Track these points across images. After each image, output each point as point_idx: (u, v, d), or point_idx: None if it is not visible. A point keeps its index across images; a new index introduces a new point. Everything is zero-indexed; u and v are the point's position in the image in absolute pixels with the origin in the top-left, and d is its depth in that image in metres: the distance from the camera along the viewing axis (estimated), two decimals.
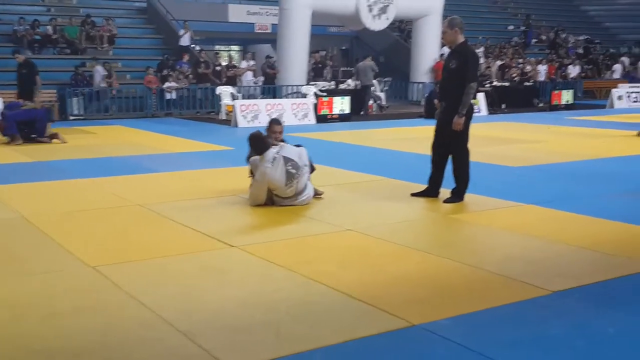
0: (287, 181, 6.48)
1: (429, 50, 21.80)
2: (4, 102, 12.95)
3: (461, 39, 6.82)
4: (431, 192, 7.08)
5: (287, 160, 6.52)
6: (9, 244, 5.36)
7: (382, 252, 5.12)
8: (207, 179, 8.30)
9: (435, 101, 7.36)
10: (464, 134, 6.80)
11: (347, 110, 17.31)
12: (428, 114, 16.41)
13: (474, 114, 6.95)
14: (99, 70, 18.08)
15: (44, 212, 6.40)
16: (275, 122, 7.24)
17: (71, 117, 17.04)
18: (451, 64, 6.83)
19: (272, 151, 6.55)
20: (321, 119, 16.76)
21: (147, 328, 3.63)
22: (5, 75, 16.76)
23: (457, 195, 6.91)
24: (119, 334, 3.54)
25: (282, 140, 7.04)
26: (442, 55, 20.33)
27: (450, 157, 6.96)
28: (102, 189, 7.68)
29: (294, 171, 6.51)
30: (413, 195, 7.12)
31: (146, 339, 3.49)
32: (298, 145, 6.95)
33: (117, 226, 5.95)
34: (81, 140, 12.74)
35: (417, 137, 12.55)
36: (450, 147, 6.90)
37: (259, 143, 6.62)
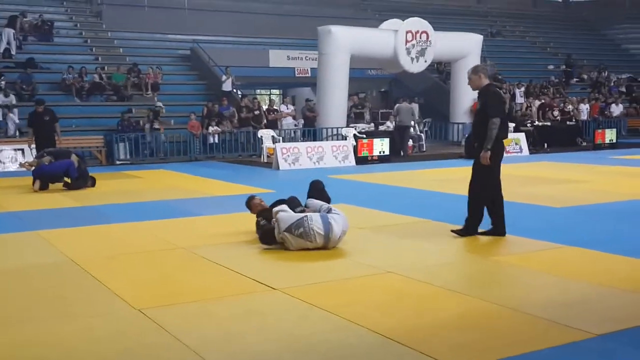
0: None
1: (468, 92, 21.77)
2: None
3: (485, 82, 7.13)
4: (497, 230, 7.11)
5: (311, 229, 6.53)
6: (57, 287, 5.53)
7: (423, 294, 5.13)
8: (249, 221, 8.41)
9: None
10: (489, 172, 6.95)
11: (387, 152, 17.41)
12: (468, 155, 16.37)
13: (504, 154, 7.13)
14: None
15: (91, 256, 6.58)
16: (250, 198, 7.61)
17: (118, 162, 17.51)
18: (478, 105, 7.17)
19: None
20: (361, 160, 16.88)
21: None
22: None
23: (464, 229, 7.07)
24: None
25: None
26: None
27: (470, 190, 7.12)
28: (146, 232, 7.86)
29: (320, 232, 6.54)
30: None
31: None
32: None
33: (162, 269, 6.08)
34: (127, 184, 13.07)
35: (457, 177, 12.51)
36: (473, 180, 7.08)
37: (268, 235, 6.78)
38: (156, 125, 18.52)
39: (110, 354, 3.94)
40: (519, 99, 24.20)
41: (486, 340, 4.09)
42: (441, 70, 26.10)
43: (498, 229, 7.11)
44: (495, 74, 26.40)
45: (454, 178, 12.71)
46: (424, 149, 19.94)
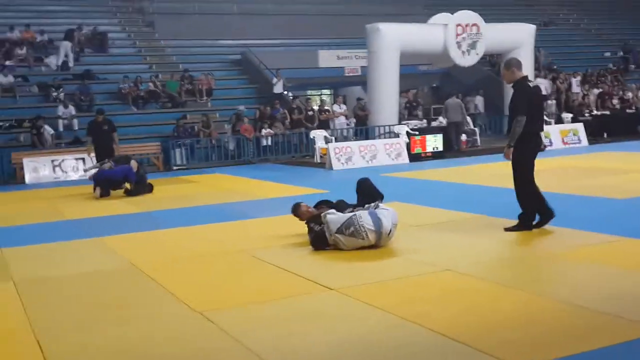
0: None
1: None
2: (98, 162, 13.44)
3: (518, 76, 7.07)
4: (546, 217, 7.06)
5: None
6: (119, 292, 5.68)
7: (479, 291, 5.06)
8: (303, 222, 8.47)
9: None
10: (522, 165, 6.99)
11: (440, 148, 17.25)
12: None
13: (538, 148, 7.11)
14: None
15: (152, 260, 6.73)
16: (297, 207, 7.43)
17: (175, 168, 17.87)
18: (510, 100, 7.16)
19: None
20: (414, 157, 16.77)
21: None
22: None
23: (518, 225, 7.03)
24: None
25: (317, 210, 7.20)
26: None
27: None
28: (204, 236, 8.00)
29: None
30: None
31: None
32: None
33: (220, 272, 6.17)
34: (184, 189, 13.32)
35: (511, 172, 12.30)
36: (514, 176, 7.12)
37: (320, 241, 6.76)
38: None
39: (173, 357, 4.03)
40: (576, 89, 23.61)
41: (545, 337, 4.01)
42: (494, 62, 25.68)
43: (546, 215, 7.05)
44: (550, 64, 25.85)
45: (508, 172, 12.49)
46: (478, 144, 19.67)
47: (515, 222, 7.14)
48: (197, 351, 4.11)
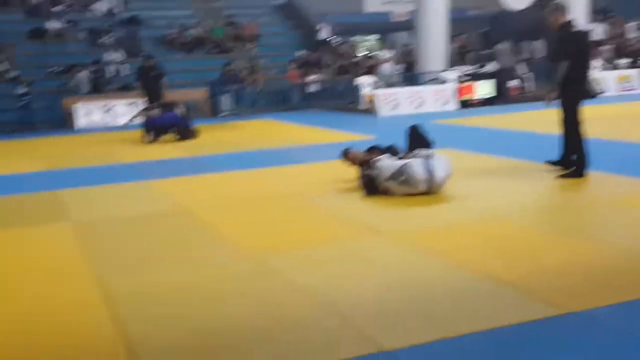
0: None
1: None
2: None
3: (563, 20, 6.99)
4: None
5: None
6: (170, 234, 5.78)
7: (531, 237, 5.01)
8: (352, 168, 8.47)
9: None
10: (566, 111, 6.92)
11: (489, 94, 16.93)
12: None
13: (582, 95, 6.96)
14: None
15: (203, 203, 6.84)
16: (346, 152, 7.41)
17: (221, 113, 17.99)
18: (553, 45, 7.21)
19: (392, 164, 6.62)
20: (463, 104, 16.52)
21: (303, 310, 3.81)
22: None
23: (571, 172, 6.95)
24: (277, 315, 3.75)
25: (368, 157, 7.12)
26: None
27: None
28: (252, 180, 8.08)
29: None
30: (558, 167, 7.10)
31: (302, 321, 3.66)
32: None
33: (272, 215, 6.24)
34: (231, 134, 13.43)
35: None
36: (561, 123, 7.06)
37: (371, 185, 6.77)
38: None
39: (228, 296, 4.12)
40: (633, 34, 22.72)
41: (599, 284, 3.96)
42: (545, 6, 24.81)
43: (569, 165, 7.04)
44: (605, 8, 24.87)
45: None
46: (529, 90, 19.20)
47: (566, 170, 7.02)
48: (248, 291, 4.18)
